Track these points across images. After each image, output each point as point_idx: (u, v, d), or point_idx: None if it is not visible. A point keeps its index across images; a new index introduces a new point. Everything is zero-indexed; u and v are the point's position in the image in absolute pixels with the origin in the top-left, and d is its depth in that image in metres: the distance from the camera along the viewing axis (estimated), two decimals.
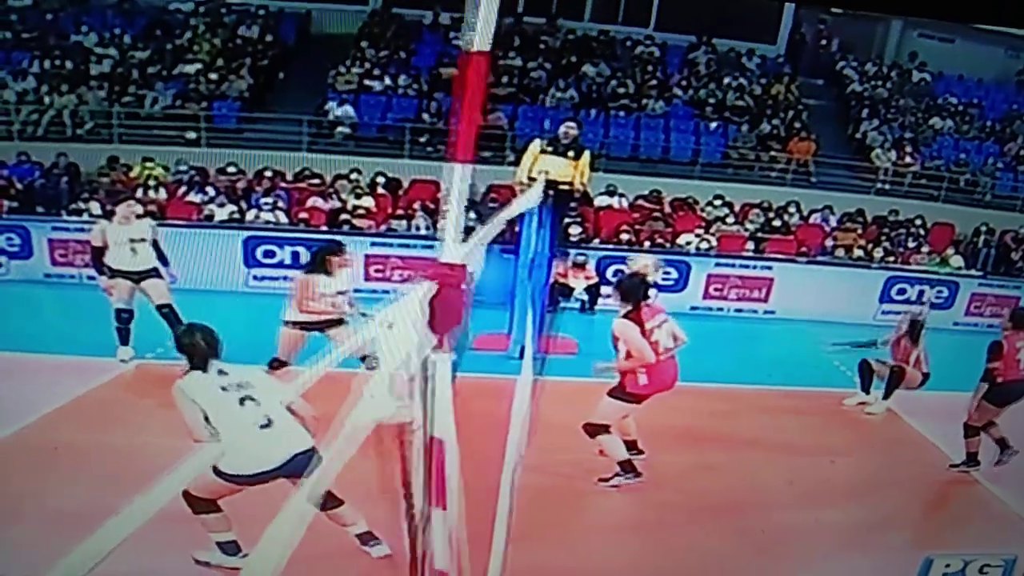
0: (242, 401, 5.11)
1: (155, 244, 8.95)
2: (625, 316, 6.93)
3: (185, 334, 5.31)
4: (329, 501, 5.18)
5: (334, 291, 7.89)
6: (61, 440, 6.84)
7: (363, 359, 6.43)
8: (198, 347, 5.19)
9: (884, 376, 9.31)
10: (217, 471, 5.11)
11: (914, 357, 9.15)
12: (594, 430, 7.05)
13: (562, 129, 10.11)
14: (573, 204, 11.99)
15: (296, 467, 5.02)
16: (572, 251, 12.62)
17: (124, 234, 8.76)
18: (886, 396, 9.27)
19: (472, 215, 12.12)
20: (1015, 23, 15.29)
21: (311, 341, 8.05)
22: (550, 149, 9.98)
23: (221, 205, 13.45)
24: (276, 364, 8.00)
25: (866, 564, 6.28)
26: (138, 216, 9.09)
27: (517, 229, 9.95)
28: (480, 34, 2.53)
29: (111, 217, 9.00)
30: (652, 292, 7.14)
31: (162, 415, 6.44)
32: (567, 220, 12.46)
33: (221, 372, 5.13)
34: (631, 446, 7.40)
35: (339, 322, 8.04)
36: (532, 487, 6.74)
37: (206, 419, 5.05)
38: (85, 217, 12.25)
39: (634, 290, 6.97)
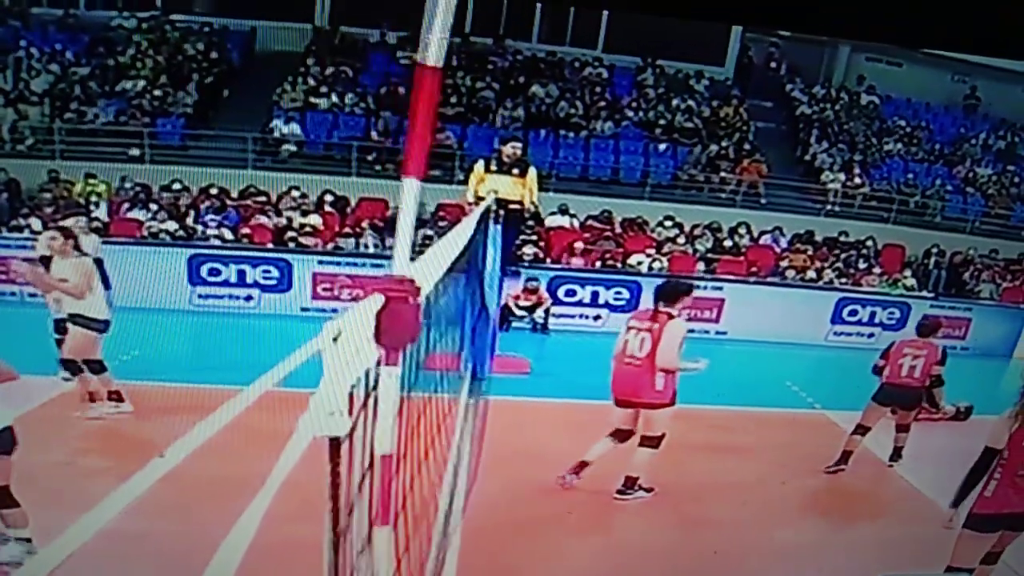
0: None
1: (99, 263, 8.69)
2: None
3: None
4: (6, 500, 5.02)
5: (57, 277, 7.67)
6: None
7: None
8: None
9: None
10: None
11: None
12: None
13: (507, 149, 9.98)
14: (530, 223, 11.88)
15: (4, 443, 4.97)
16: (523, 272, 12.48)
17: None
18: None
19: (422, 234, 11.97)
20: (960, 48, 15.53)
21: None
22: (494, 169, 9.88)
23: (163, 222, 13.15)
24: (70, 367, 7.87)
25: None
26: (85, 233, 8.85)
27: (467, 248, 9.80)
28: (433, 48, 2.50)
29: None
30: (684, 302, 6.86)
31: (105, 435, 6.19)
32: (522, 239, 12.34)
33: None
34: (629, 482, 6.99)
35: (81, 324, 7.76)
36: (483, 507, 6.58)
37: None
38: (26, 233, 11.92)
39: (658, 291, 6.87)
